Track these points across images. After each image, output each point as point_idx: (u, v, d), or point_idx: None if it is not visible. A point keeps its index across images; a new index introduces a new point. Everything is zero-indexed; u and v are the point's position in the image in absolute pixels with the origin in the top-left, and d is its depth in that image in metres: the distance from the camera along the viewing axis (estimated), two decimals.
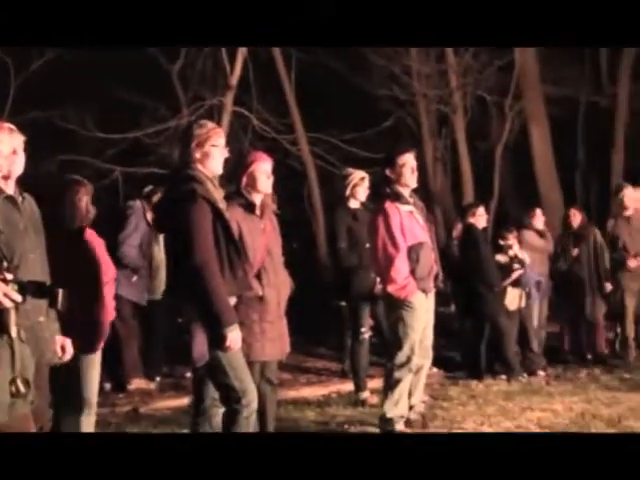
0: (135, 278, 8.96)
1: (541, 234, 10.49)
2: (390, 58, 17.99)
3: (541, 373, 9.73)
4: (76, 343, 4.97)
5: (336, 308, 9.03)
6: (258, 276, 5.77)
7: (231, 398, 5.12)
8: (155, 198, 8.92)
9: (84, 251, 5.66)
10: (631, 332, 10.42)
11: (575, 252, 10.47)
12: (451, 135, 19.92)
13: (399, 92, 18.91)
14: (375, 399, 7.89)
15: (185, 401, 7.86)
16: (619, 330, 10.65)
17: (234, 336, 5.00)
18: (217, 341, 4.98)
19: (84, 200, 5.76)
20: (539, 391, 8.67)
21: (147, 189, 9.41)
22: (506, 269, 9.85)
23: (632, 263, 10.40)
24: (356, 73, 18.09)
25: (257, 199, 5.85)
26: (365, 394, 8.29)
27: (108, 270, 5.84)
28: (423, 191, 17.95)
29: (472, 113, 19.49)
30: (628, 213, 10.57)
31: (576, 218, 10.65)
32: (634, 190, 10.85)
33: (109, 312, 5.83)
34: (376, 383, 8.15)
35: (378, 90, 18.75)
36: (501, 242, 10.04)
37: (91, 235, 5.80)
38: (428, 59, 18.53)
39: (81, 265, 5.58)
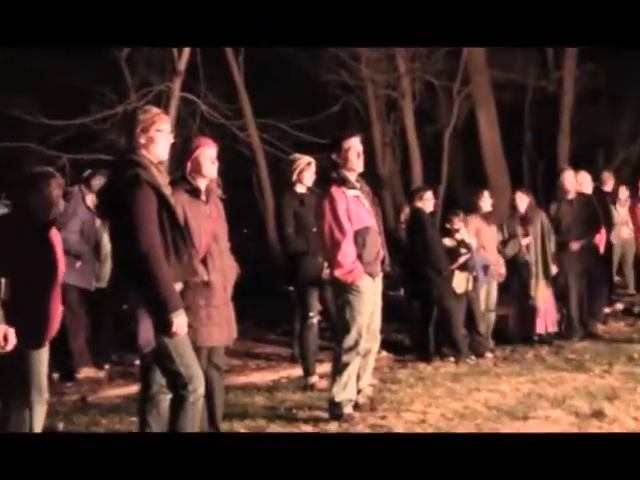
0: (79, 264, 8.89)
1: (488, 221, 10.55)
2: None
3: (489, 355, 9.82)
4: (30, 336, 4.96)
5: (285, 293, 9.03)
6: (204, 261, 5.78)
7: (178, 384, 5.12)
8: (94, 182, 8.92)
9: (50, 246, 5.60)
10: (575, 313, 10.56)
11: (525, 241, 10.53)
12: (400, 120, 20.00)
13: (347, 77, 18.95)
14: (324, 383, 7.93)
15: (134, 389, 7.80)
16: (564, 311, 10.79)
17: (180, 322, 4.99)
18: (163, 327, 4.97)
19: (55, 193, 5.70)
20: (487, 372, 8.74)
21: (86, 173, 9.38)
22: (453, 253, 9.92)
23: (574, 246, 10.54)
24: (305, 58, 18.06)
25: (202, 184, 5.86)
26: (314, 378, 8.31)
27: (62, 266, 5.79)
28: (372, 176, 18.06)
29: (420, 98, 19.58)
30: (570, 196, 10.70)
31: (522, 201, 10.72)
32: (576, 174, 10.99)
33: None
34: (326, 367, 8.16)
35: (327, 75, 18.77)
36: (448, 226, 10.14)
37: (55, 229, 5.75)
38: None
39: (45, 259, 5.53)
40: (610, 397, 7.22)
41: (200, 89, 17.78)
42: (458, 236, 10.03)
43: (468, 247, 9.97)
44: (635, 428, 6.30)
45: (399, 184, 20.15)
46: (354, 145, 6.94)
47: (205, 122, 18.04)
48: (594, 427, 6.35)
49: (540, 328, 10.60)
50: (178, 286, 5.19)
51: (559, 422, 6.52)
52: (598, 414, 6.65)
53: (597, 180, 13.08)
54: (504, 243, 10.59)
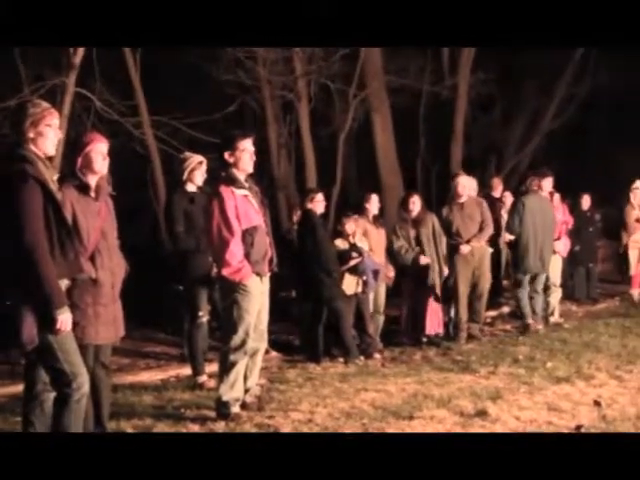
0: None
1: (376, 224, 10.68)
2: None
3: (377, 356, 9.93)
4: None
5: (175, 292, 8.99)
6: (92, 259, 5.73)
7: (62, 382, 5.08)
8: None
9: None
10: (463, 315, 10.75)
11: (424, 259, 10.63)
12: (295, 121, 20.02)
13: (244, 77, 18.88)
14: (212, 382, 7.94)
15: (21, 388, 7.67)
16: (452, 314, 10.97)
17: (64, 319, 4.95)
18: (47, 324, 4.92)
19: None
20: (374, 373, 8.85)
21: None
22: (345, 255, 10.00)
23: (464, 249, 10.72)
24: (202, 57, 17.96)
25: (92, 180, 5.81)
26: (202, 378, 8.32)
27: None
28: (267, 176, 18.08)
29: (316, 100, 19.63)
30: (461, 200, 10.89)
31: (415, 205, 10.85)
32: (468, 178, 11.19)
33: None
34: (215, 367, 8.13)
35: (223, 75, 18.67)
36: (339, 228, 10.22)
37: None
38: None
39: None
40: (494, 397, 7.37)
41: (95, 85, 17.48)
42: (351, 239, 10.13)
43: (360, 251, 10.07)
44: (517, 426, 6.46)
45: (293, 185, 20.17)
46: (248, 146, 6.98)
47: (99, 118, 17.75)
48: (477, 426, 6.48)
49: (430, 329, 10.76)
50: (64, 283, 5.14)
51: (443, 421, 6.63)
52: (482, 413, 6.79)
53: (487, 186, 13.37)
54: (400, 250, 10.68)
